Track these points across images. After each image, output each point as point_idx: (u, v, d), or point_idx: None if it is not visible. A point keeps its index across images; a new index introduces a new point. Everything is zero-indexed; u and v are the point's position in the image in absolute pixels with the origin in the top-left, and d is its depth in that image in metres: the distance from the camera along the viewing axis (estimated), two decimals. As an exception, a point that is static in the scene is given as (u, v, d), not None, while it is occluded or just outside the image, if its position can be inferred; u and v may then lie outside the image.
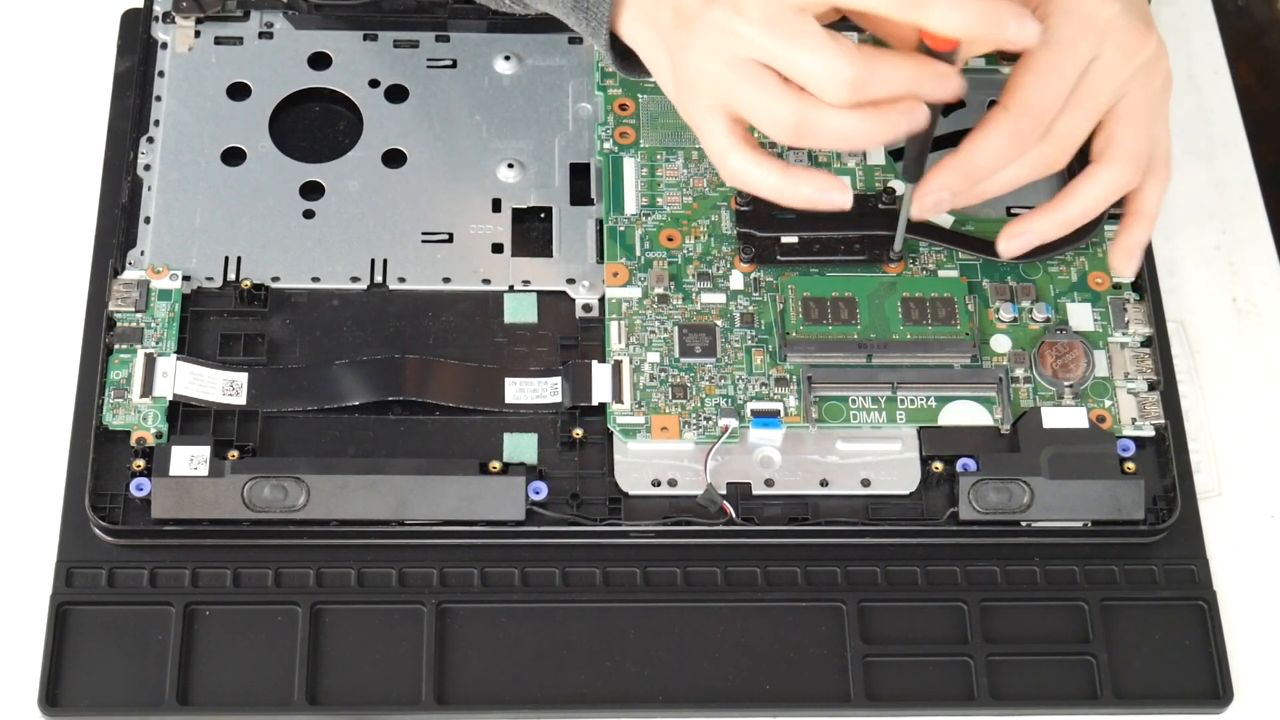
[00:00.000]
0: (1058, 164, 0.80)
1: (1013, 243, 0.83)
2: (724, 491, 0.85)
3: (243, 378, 0.87)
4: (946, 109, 0.95)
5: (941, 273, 0.90)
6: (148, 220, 0.91)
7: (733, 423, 0.86)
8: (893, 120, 0.76)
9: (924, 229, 0.91)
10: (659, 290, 0.90)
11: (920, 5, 0.74)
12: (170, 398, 0.85)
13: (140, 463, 0.84)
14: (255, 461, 0.84)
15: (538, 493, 0.85)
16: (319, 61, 0.96)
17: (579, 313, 0.90)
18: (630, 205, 0.92)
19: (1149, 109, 0.82)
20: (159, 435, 0.85)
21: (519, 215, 0.92)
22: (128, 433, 0.85)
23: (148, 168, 0.92)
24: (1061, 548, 0.86)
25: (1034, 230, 0.83)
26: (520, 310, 0.90)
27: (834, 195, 0.78)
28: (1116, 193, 0.82)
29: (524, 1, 0.88)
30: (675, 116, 0.93)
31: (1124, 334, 0.90)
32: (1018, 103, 0.78)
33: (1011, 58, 0.83)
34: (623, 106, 0.94)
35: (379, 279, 0.90)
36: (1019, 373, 0.88)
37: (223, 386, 0.86)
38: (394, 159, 0.93)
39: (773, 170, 0.78)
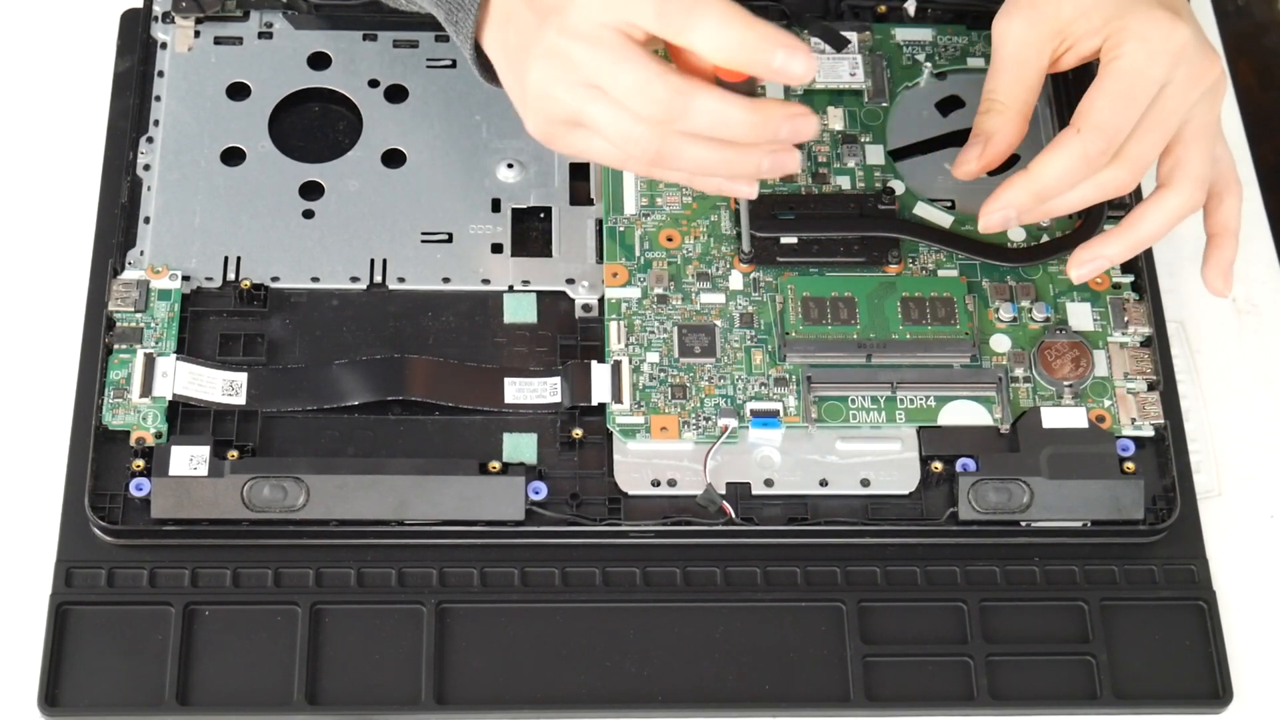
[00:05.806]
0: (1128, 186, 0.83)
1: (1084, 269, 0.86)
2: (723, 491, 0.85)
3: (242, 378, 0.87)
4: (945, 108, 0.96)
5: (941, 272, 0.90)
6: (147, 220, 0.90)
7: (732, 423, 0.86)
8: (755, 158, 0.76)
9: (923, 230, 0.91)
10: (658, 290, 0.89)
11: (685, 26, 0.72)
12: (170, 398, 0.85)
13: (140, 463, 0.84)
14: (255, 461, 0.84)
15: (537, 493, 0.85)
16: (318, 61, 0.96)
17: (578, 313, 0.90)
18: (630, 205, 0.92)
19: (1211, 132, 0.84)
20: (159, 435, 0.85)
21: (518, 215, 0.92)
22: (127, 433, 0.85)
23: (147, 168, 0.92)
24: (1061, 548, 0.86)
25: (1105, 255, 0.86)
26: (520, 310, 0.90)
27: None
28: (1182, 215, 0.85)
29: None
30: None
31: (1123, 334, 0.90)
32: (1089, 125, 0.80)
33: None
34: (622, 106, 0.94)
35: (379, 279, 0.90)
36: (1018, 372, 0.88)
37: (222, 386, 0.86)
38: (393, 159, 0.93)
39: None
